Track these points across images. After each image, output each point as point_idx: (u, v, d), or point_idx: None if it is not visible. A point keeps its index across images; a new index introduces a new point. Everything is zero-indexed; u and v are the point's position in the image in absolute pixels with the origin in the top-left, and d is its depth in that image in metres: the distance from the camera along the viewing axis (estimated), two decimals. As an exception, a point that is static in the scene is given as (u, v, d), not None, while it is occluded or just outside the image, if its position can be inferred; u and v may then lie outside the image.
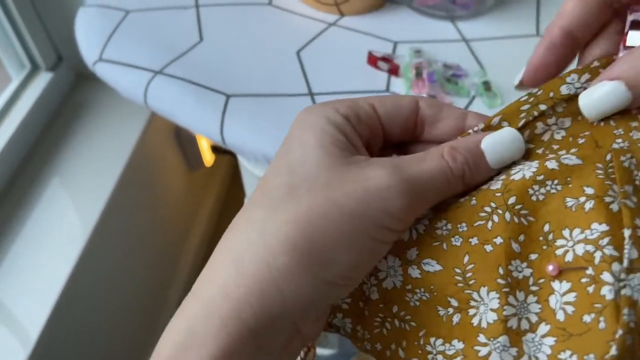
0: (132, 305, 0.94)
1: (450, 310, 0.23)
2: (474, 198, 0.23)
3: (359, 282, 0.23)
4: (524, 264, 0.22)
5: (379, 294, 0.24)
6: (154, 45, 0.53)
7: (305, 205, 0.20)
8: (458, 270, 0.23)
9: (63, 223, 0.79)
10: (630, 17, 0.24)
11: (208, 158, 1.19)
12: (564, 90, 0.23)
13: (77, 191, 0.83)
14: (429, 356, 0.23)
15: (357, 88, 0.50)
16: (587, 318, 0.20)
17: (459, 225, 0.23)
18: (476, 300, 0.22)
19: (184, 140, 1.10)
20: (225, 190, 1.35)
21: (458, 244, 0.23)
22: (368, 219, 0.21)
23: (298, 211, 0.20)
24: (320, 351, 0.83)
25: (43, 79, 0.87)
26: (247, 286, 0.19)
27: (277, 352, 0.21)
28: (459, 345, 0.22)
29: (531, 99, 0.24)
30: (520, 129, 0.24)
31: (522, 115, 0.24)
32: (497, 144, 0.23)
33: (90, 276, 0.80)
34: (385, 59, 0.52)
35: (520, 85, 0.25)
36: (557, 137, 0.24)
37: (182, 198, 1.15)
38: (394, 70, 0.51)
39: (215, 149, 1.19)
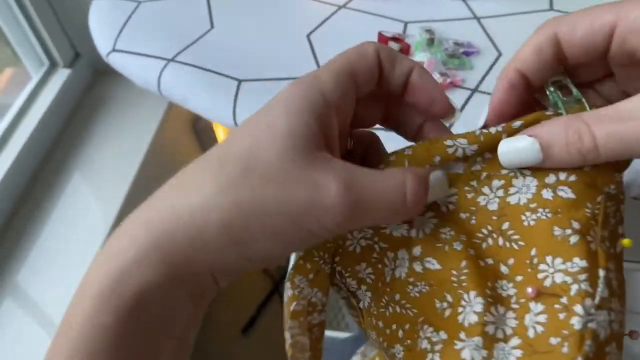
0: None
1: (445, 304, 0.25)
2: (473, 217, 0.26)
3: (277, 262, 0.24)
4: (510, 284, 0.24)
5: (389, 279, 0.27)
6: (166, 34, 0.54)
7: (251, 194, 0.22)
8: (454, 272, 0.25)
9: (85, 217, 0.81)
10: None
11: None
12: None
13: (98, 185, 0.84)
14: (419, 340, 0.25)
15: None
16: (553, 340, 0.22)
17: (461, 235, 0.26)
18: (465, 301, 0.24)
19: (202, 131, 1.11)
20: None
21: (459, 248, 0.25)
22: (302, 225, 0.22)
23: (243, 198, 0.21)
24: (338, 334, 0.83)
25: (61, 76, 0.88)
26: (177, 240, 0.22)
27: (198, 294, 0.23)
28: (443, 335, 0.25)
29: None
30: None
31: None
32: (435, 183, 0.25)
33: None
34: (396, 38, 0.51)
35: (486, 127, 0.26)
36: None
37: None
38: (405, 50, 0.51)
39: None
